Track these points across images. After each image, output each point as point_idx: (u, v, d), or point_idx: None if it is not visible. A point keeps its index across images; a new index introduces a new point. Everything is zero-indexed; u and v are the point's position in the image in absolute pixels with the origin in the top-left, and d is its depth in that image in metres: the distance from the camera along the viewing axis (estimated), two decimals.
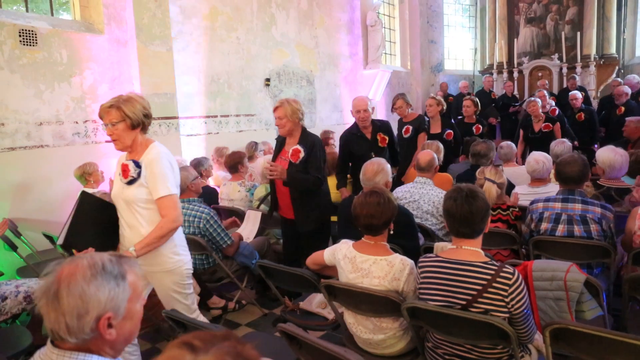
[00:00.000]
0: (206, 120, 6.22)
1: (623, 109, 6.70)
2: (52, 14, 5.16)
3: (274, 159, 3.55)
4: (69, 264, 1.16)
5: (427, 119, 5.19)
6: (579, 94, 6.96)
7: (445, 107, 5.80)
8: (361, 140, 4.33)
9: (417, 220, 3.39)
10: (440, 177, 3.90)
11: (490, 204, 3.06)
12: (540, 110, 6.03)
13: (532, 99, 6.19)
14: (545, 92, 6.72)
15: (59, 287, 1.12)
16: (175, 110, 5.61)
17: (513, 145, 4.69)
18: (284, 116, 3.34)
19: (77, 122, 4.97)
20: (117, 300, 1.16)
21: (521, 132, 6.25)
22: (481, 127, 5.91)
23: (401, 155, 4.98)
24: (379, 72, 9.14)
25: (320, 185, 3.44)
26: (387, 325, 2.13)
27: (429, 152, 3.65)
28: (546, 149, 4.94)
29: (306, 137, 3.41)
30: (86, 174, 4.37)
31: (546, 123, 5.93)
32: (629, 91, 6.95)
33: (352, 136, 4.41)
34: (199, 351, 0.83)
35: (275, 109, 3.41)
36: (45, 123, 4.71)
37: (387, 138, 4.31)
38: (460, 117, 8.06)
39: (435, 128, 5.29)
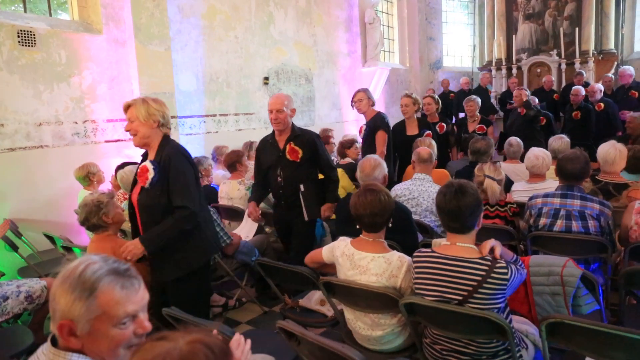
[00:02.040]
0: (205, 119, 6.24)
1: (602, 105, 6.69)
2: (51, 15, 5.17)
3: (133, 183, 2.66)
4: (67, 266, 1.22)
5: (384, 117, 4.48)
6: (582, 90, 6.85)
7: (440, 106, 5.78)
8: (272, 149, 3.45)
9: (416, 217, 3.41)
10: (438, 174, 3.92)
11: (495, 200, 3.11)
12: (477, 112, 5.97)
13: (473, 97, 6.09)
14: (525, 90, 6.41)
15: (54, 290, 1.19)
16: (174, 109, 5.61)
17: (521, 143, 4.51)
18: (135, 118, 2.47)
19: (76, 122, 4.98)
20: (75, 312, 1.14)
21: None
22: (445, 126, 5.66)
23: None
24: (377, 70, 9.13)
25: (192, 221, 2.46)
26: (385, 321, 2.15)
27: (426, 148, 3.68)
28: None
29: (162, 150, 2.50)
30: (90, 174, 4.40)
31: (480, 125, 5.84)
32: (602, 87, 7.00)
33: (264, 142, 3.58)
34: (170, 340, 0.92)
35: (125, 109, 2.52)
36: (45, 123, 4.73)
37: (300, 151, 3.32)
38: (463, 114, 8.08)
39: (412, 129, 4.92)
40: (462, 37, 12.25)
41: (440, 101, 5.87)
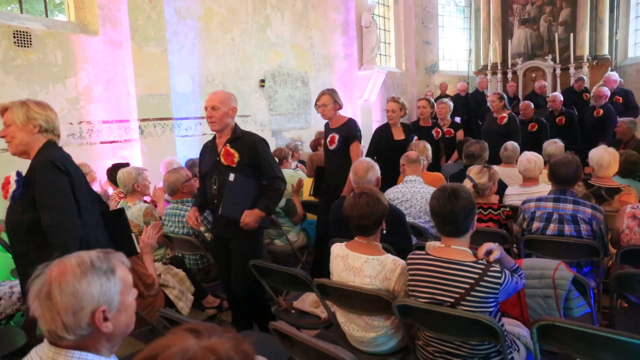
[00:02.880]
0: (201, 121, 6.24)
1: (602, 111, 6.55)
2: (47, 15, 5.17)
3: None
4: (57, 265, 1.19)
5: (356, 124, 4.03)
6: (559, 96, 6.75)
7: (435, 110, 5.58)
8: (211, 153, 3.05)
9: (410, 219, 3.43)
10: (432, 177, 3.94)
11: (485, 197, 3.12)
12: (448, 115, 5.80)
13: (445, 100, 5.89)
14: (501, 94, 6.05)
15: (50, 288, 1.14)
16: (170, 111, 5.62)
17: (517, 147, 4.47)
18: (11, 122, 2.20)
19: (71, 124, 4.98)
20: (110, 293, 1.19)
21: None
22: (440, 131, 5.33)
23: (329, 174, 3.97)
24: (373, 73, 9.17)
25: (65, 240, 2.05)
26: (378, 323, 2.16)
27: (414, 152, 3.73)
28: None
29: (35, 159, 2.23)
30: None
31: (448, 129, 5.67)
32: (608, 93, 6.81)
33: (205, 146, 3.19)
34: (202, 336, 0.88)
35: (2, 112, 2.23)
36: None
37: (236, 155, 2.86)
38: (458, 118, 8.09)
39: (399, 134, 4.61)
40: (458, 41, 12.32)
41: (435, 105, 5.66)
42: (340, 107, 3.99)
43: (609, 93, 6.78)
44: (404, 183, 3.55)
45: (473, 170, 3.16)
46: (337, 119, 3.98)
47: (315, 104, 4.03)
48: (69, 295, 1.14)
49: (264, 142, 3.00)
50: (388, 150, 4.52)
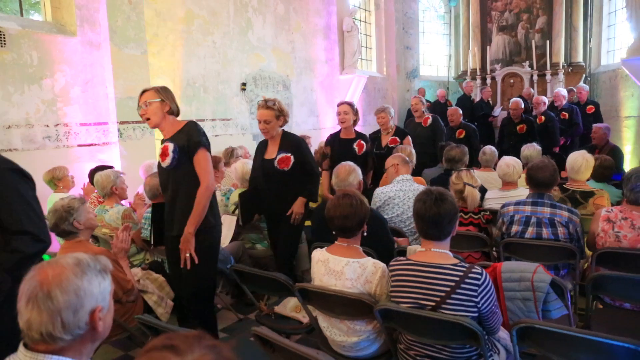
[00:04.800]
0: None
1: (543, 118, 6.59)
2: (22, 15, 5.04)
3: None
4: (50, 266, 1.18)
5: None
6: (521, 103, 6.68)
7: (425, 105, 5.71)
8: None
9: (402, 216, 3.43)
10: (415, 181, 3.96)
11: (475, 207, 3.17)
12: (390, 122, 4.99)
13: (385, 106, 5.15)
14: (421, 97, 5.91)
15: (50, 288, 1.13)
16: None
17: (495, 151, 4.57)
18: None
19: (47, 126, 4.86)
20: (105, 293, 1.22)
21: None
22: (364, 145, 4.75)
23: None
24: (355, 78, 9.22)
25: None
26: (360, 327, 2.16)
27: (402, 155, 3.75)
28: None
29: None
30: (55, 179, 4.24)
31: (393, 137, 4.96)
32: (546, 100, 6.89)
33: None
34: (184, 353, 0.85)
35: None
36: (14, 126, 4.60)
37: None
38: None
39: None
40: (438, 47, 12.49)
41: (425, 102, 5.73)
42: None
43: (546, 100, 6.86)
44: (394, 183, 3.55)
45: (466, 176, 3.22)
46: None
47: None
48: (71, 293, 1.15)
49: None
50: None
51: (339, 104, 4.39)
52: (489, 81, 10.51)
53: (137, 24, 5.36)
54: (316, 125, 8.67)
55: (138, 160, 5.03)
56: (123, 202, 3.95)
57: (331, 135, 4.58)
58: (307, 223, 3.60)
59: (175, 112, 2.81)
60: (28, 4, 5.30)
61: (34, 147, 4.74)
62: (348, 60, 9.30)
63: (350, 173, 2.98)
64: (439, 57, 12.47)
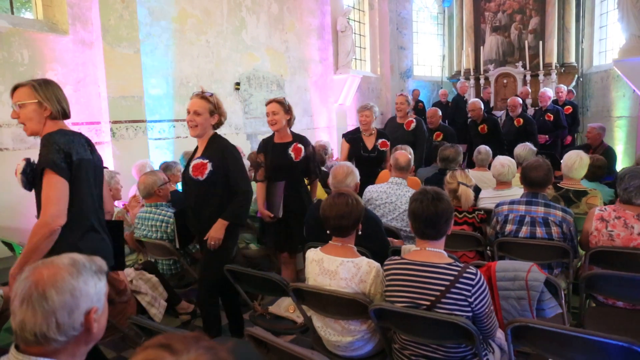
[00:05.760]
0: (175, 124, 6.14)
1: (521, 120, 6.49)
2: (13, 13, 4.99)
3: None
4: (45, 266, 1.16)
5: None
6: (479, 103, 6.53)
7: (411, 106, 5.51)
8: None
9: (393, 222, 3.44)
10: (410, 181, 3.96)
11: (469, 206, 3.18)
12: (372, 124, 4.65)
13: (369, 105, 4.80)
14: (407, 96, 5.62)
15: (45, 288, 1.12)
16: (142, 114, 5.50)
17: (490, 151, 4.55)
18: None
19: None
20: (101, 294, 1.21)
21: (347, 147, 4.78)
22: (302, 149, 4.84)
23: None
24: (349, 77, 9.22)
25: None
26: (355, 327, 2.15)
27: (405, 154, 3.72)
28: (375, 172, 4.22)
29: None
30: None
31: (383, 140, 4.70)
32: (521, 102, 6.74)
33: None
34: (179, 352, 0.84)
35: None
36: (5, 125, 4.55)
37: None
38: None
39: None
40: (432, 47, 12.52)
41: (411, 102, 5.50)
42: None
43: (521, 101, 6.75)
44: (389, 184, 3.56)
45: (460, 176, 3.23)
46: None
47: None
48: (67, 293, 1.13)
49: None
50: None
51: (267, 103, 3.57)
52: (482, 81, 10.55)
53: (130, 22, 5.32)
54: (310, 125, 8.66)
55: (131, 160, 5.00)
56: (117, 202, 3.92)
57: (264, 140, 3.76)
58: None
59: (60, 114, 2.21)
60: (19, 2, 5.25)
61: (25, 146, 4.69)
62: (342, 60, 9.30)
63: (347, 175, 2.96)
64: (433, 57, 12.51)
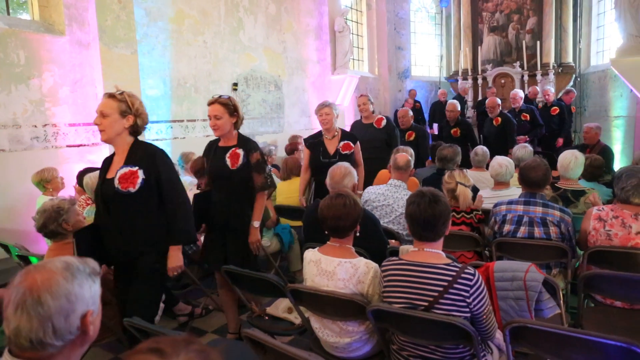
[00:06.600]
0: (172, 125, 6.13)
1: (500, 120, 6.47)
2: (9, 13, 4.97)
3: None
4: (38, 272, 1.14)
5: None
6: (457, 105, 6.53)
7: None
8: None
9: (389, 224, 3.43)
10: (408, 181, 3.96)
11: (467, 206, 3.17)
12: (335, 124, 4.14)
13: (330, 101, 4.27)
14: (369, 96, 5.20)
15: (39, 294, 1.10)
16: None
17: (487, 152, 4.54)
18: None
19: (35, 126, 4.79)
20: (96, 297, 1.20)
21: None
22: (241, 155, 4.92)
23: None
24: (346, 78, 9.22)
25: None
26: (353, 328, 2.14)
27: (406, 155, 3.72)
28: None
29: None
30: (44, 180, 4.17)
31: (346, 141, 4.10)
32: (500, 102, 6.72)
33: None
34: (169, 356, 0.84)
35: None
36: (1, 127, 4.53)
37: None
38: (436, 125, 8.15)
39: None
40: (429, 47, 12.52)
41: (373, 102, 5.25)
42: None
43: (500, 102, 6.74)
44: (388, 186, 3.54)
45: (459, 176, 3.22)
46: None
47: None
48: (62, 297, 1.12)
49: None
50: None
51: (209, 103, 3.06)
52: (480, 81, 10.56)
53: (127, 23, 5.30)
54: (308, 125, 8.66)
55: None
56: None
57: (210, 142, 3.28)
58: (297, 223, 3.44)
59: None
60: (16, 3, 5.23)
61: (22, 147, 4.67)
62: (340, 61, 9.29)
63: (345, 176, 2.94)
64: (431, 57, 12.51)
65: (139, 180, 2.34)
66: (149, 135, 5.71)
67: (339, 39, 9.26)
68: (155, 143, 5.79)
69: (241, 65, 7.23)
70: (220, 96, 2.99)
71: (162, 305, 3.23)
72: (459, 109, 6.63)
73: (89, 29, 5.16)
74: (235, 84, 7.09)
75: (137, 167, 2.36)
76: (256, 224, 3.04)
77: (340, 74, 9.24)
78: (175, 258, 2.44)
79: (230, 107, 3.00)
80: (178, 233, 2.44)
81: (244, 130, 7.41)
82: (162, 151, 2.48)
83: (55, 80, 4.96)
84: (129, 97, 2.43)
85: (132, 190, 2.34)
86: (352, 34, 10.04)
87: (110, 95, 2.42)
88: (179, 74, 6.24)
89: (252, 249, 3.04)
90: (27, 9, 5.16)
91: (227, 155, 3.01)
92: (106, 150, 5.22)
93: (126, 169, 2.36)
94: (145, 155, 2.41)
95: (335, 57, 9.33)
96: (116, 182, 2.34)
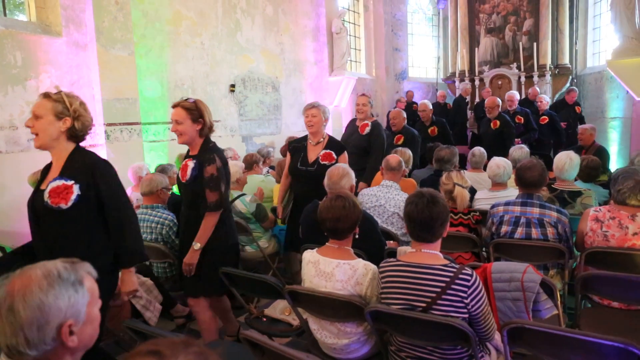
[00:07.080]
0: (170, 126, 6.10)
1: (498, 122, 6.38)
2: (5, 15, 4.96)
3: None
4: (19, 276, 1.13)
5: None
6: (429, 105, 6.55)
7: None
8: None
9: (382, 225, 3.43)
10: (405, 182, 3.97)
11: (464, 207, 3.18)
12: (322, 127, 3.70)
13: (316, 103, 3.85)
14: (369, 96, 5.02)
15: (13, 301, 1.08)
16: (137, 116, 5.48)
17: (484, 153, 4.53)
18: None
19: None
20: (78, 306, 1.15)
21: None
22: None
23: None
24: (344, 79, 9.23)
25: None
26: (351, 329, 2.14)
27: (396, 156, 3.73)
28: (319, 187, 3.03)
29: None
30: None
31: (327, 150, 3.60)
32: (500, 102, 6.62)
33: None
34: (168, 358, 0.83)
35: None
36: None
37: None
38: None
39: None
40: (426, 49, 12.55)
41: (373, 104, 5.14)
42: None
43: (500, 102, 6.67)
44: (380, 187, 3.56)
45: (456, 177, 3.24)
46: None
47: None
48: (34, 308, 1.08)
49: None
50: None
51: (173, 106, 2.76)
52: (477, 83, 10.59)
53: (124, 24, 5.30)
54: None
55: (126, 162, 4.97)
56: None
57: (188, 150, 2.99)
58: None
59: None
60: (13, 4, 5.22)
61: (19, 149, 4.65)
62: (337, 62, 9.30)
63: (342, 176, 2.94)
64: (428, 59, 12.53)
65: (73, 197, 2.06)
66: (146, 137, 5.70)
67: (336, 40, 9.28)
68: (152, 144, 5.84)
69: (238, 67, 7.23)
70: (186, 99, 2.70)
71: (159, 306, 3.23)
72: (431, 107, 6.57)
73: (86, 30, 5.15)
74: (233, 86, 7.09)
75: (72, 181, 2.08)
76: (197, 246, 2.64)
77: (338, 75, 9.25)
78: (129, 282, 2.21)
79: (194, 113, 2.68)
80: (128, 255, 2.19)
81: (242, 131, 7.42)
82: (104, 162, 2.21)
83: (52, 82, 4.94)
84: (67, 97, 2.15)
85: (63, 206, 2.05)
86: (350, 35, 10.06)
87: (46, 95, 2.16)
88: (176, 75, 6.23)
89: (184, 270, 2.71)
90: (23, 10, 5.15)
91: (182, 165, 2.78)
92: (103, 152, 5.22)
93: (59, 182, 2.08)
94: (84, 167, 2.12)
95: (333, 58, 9.34)
96: (46, 195, 2.07)
